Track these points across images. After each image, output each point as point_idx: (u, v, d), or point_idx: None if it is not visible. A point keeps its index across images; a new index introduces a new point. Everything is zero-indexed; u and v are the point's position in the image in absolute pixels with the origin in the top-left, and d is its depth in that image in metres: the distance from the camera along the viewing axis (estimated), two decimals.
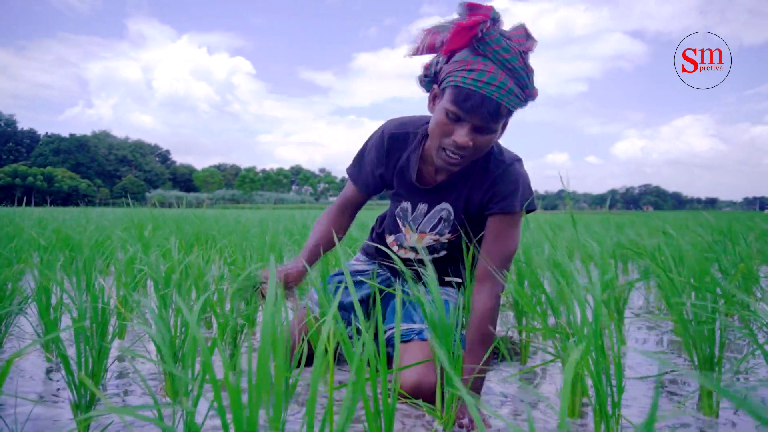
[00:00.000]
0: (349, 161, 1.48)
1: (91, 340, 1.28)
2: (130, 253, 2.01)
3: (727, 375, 1.44)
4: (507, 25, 1.09)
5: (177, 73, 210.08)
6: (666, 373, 1.48)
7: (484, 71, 1.04)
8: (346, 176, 1.48)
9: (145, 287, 2.46)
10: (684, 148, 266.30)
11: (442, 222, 1.35)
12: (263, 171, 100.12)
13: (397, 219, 1.44)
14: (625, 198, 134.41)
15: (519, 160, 1.27)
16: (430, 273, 1.07)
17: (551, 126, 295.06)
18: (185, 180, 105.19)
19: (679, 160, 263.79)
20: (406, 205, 1.40)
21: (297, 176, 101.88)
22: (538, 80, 1.11)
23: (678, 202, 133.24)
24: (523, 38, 1.07)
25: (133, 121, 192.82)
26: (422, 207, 1.37)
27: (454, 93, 1.07)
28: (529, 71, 1.07)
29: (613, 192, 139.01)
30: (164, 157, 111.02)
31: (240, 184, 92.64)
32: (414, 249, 1.43)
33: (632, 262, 3.82)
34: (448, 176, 1.30)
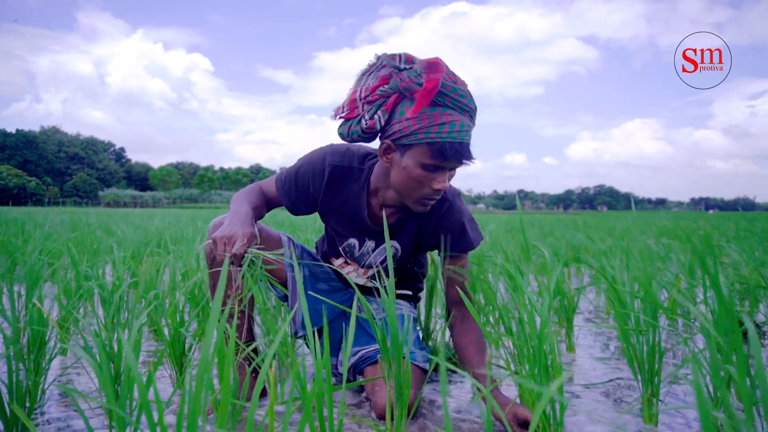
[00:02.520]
0: None
1: (28, 361, 1.23)
2: (75, 264, 1.93)
3: (666, 381, 1.50)
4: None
5: (131, 68, 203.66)
6: (610, 381, 1.52)
7: (454, 122, 1.12)
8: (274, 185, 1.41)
9: (92, 298, 2.36)
10: (633, 150, 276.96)
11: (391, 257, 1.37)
12: (222, 170, 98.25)
13: (343, 253, 1.44)
14: (580, 198, 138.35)
15: (458, 195, 1.35)
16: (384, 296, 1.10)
17: (509, 127, 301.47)
18: (141, 179, 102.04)
19: (629, 162, 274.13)
20: (353, 241, 1.39)
21: (257, 175, 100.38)
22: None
23: (630, 202, 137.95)
24: (453, 75, 1.14)
25: (84, 117, 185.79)
26: (370, 244, 1.38)
27: (435, 148, 1.13)
28: (476, 107, 1.17)
29: (569, 192, 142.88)
30: (118, 154, 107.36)
31: (198, 183, 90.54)
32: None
33: (585, 266, 3.93)
34: (397, 217, 1.33)
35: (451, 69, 1.14)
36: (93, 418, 1.21)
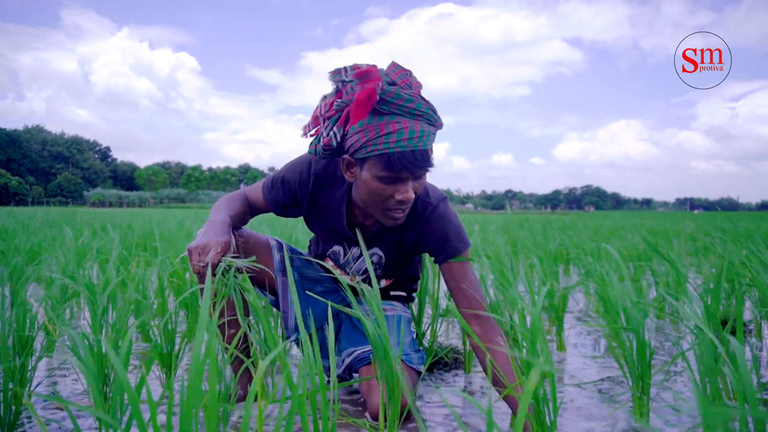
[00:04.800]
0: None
1: (13, 361, 1.20)
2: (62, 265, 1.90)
3: (657, 377, 1.51)
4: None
5: (116, 67, 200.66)
6: (602, 380, 1.53)
7: (401, 130, 1.06)
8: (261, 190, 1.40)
9: (79, 299, 2.33)
10: (619, 151, 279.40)
11: (374, 265, 1.37)
12: (209, 169, 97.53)
13: (329, 259, 1.44)
14: (568, 198, 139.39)
15: (444, 199, 1.31)
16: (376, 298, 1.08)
17: (496, 128, 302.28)
18: (127, 178, 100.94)
19: (615, 162, 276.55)
20: (338, 249, 1.40)
21: (245, 175, 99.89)
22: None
23: (617, 202, 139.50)
24: (408, 78, 1.10)
25: (69, 115, 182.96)
26: (354, 251, 1.38)
27: (383, 160, 1.08)
28: (432, 108, 1.10)
29: (556, 192, 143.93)
30: (104, 154, 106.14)
31: (185, 182, 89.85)
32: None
33: (573, 264, 3.96)
34: (380, 224, 1.30)
35: (405, 71, 1.10)
36: (80, 418, 1.20)
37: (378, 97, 1.05)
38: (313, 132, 1.20)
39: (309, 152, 1.21)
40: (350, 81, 1.09)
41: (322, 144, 1.15)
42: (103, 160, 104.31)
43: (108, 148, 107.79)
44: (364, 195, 1.16)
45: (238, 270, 1.17)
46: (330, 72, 1.13)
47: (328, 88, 1.19)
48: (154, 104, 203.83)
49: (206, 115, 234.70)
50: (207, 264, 1.10)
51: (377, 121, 1.07)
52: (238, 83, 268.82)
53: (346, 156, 1.16)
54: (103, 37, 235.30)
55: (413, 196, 1.13)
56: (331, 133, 1.13)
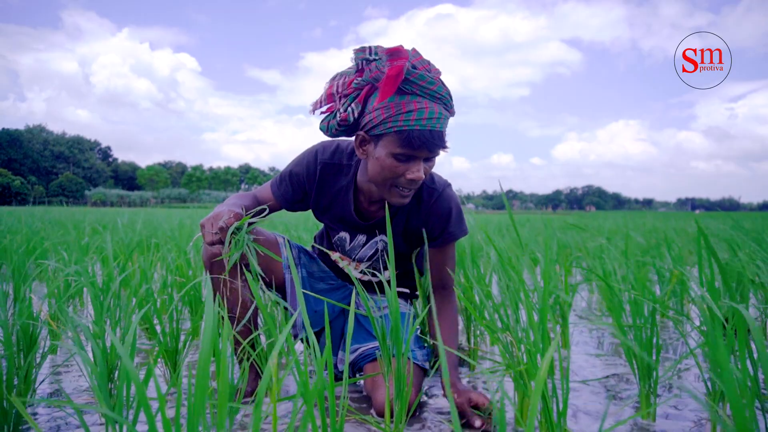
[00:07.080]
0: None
1: (18, 359, 1.20)
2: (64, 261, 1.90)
3: (665, 375, 1.50)
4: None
5: (117, 67, 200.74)
6: (607, 377, 1.53)
7: (423, 109, 1.09)
8: (270, 188, 1.41)
9: (82, 296, 2.33)
10: (619, 151, 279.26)
11: (379, 252, 1.38)
12: (210, 169, 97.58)
13: (335, 247, 1.45)
14: (569, 198, 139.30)
15: (449, 185, 1.34)
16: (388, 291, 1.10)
17: (495, 128, 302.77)
18: (128, 178, 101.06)
19: (614, 163, 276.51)
20: (344, 235, 1.40)
21: (245, 175, 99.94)
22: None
23: (618, 202, 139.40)
24: (427, 64, 1.12)
25: (69, 115, 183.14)
26: (360, 238, 1.39)
27: (401, 137, 1.10)
28: (450, 95, 1.14)
29: (557, 193, 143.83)
30: (105, 153, 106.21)
31: (186, 182, 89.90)
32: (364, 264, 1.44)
33: (576, 264, 3.95)
34: (384, 210, 1.31)
35: (425, 58, 1.12)
36: (85, 414, 1.19)
37: (404, 77, 1.08)
38: (324, 109, 1.22)
39: (320, 128, 1.23)
40: (376, 59, 1.12)
41: (338, 119, 1.18)
42: (104, 159, 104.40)
43: (109, 148, 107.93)
44: (375, 173, 1.18)
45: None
46: (354, 49, 1.16)
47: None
48: (154, 105, 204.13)
49: (206, 116, 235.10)
50: (220, 231, 1.12)
51: (399, 99, 1.10)
52: (238, 83, 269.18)
53: (361, 132, 1.18)
54: (104, 38, 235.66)
55: (423, 176, 1.15)
56: (350, 108, 1.15)
